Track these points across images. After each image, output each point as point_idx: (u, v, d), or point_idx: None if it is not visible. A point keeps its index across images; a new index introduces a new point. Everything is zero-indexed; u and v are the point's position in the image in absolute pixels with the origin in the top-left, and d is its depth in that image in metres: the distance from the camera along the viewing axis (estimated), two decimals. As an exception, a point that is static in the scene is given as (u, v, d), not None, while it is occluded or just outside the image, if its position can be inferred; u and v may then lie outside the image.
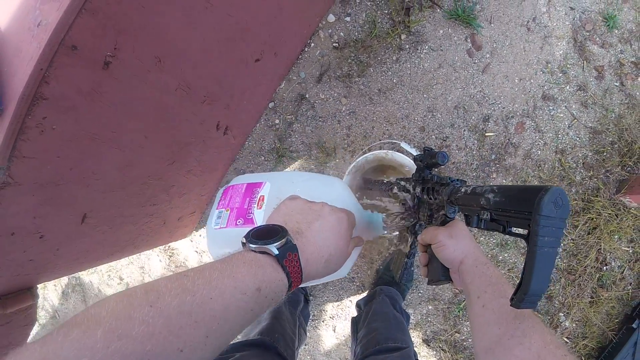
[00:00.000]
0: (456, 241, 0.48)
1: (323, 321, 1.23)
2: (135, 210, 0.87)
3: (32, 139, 0.55)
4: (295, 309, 1.02)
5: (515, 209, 0.35)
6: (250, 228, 0.37)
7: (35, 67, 0.49)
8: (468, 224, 0.43)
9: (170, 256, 1.41)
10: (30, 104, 0.52)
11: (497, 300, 0.40)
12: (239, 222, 0.54)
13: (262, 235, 0.35)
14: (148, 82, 0.68)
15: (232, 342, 0.71)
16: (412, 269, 1.12)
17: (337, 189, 0.59)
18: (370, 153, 1.01)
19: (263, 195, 0.56)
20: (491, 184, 0.63)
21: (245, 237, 0.35)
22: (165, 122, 0.79)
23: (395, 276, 0.67)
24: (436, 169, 0.59)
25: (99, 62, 0.58)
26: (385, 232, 0.59)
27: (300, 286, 0.38)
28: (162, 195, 0.94)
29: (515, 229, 0.37)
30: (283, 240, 0.34)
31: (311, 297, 1.23)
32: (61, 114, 0.57)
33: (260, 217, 0.53)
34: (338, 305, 1.23)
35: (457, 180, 0.52)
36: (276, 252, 0.33)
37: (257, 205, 0.55)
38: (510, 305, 0.32)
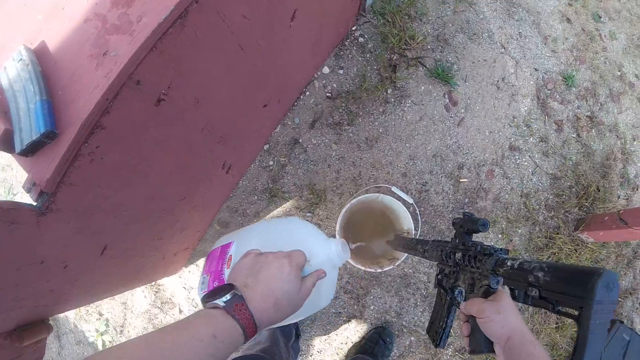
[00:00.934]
0: (503, 317, 0.51)
1: (311, 355, 1.42)
2: (145, 243, 1.03)
3: (82, 166, 0.61)
4: (288, 341, 1.21)
5: (566, 291, 0.38)
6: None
7: (102, 97, 0.56)
8: (514, 298, 0.47)
9: (156, 292, 1.55)
10: (90, 132, 0.58)
11: None
12: (215, 284, 0.63)
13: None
14: (185, 121, 0.81)
15: (233, 358, 0.90)
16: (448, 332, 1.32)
17: (292, 231, 0.70)
18: (363, 196, 1.25)
19: (231, 255, 0.67)
20: (538, 259, 0.62)
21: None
22: (188, 159, 0.95)
23: (433, 341, 0.70)
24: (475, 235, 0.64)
25: (154, 98, 0.67)
26: (348, 258, 0.67)
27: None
28: (168, 230, 1.11)
29: (564, 308, 0.40)
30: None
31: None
32: (112, 144, 0.65)
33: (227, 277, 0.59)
34: (325, 340, 1.43)
35: (501, 249, 0.56)
36: (223, 304, 0.43)
37: (227, 265, 0.64)
38: None
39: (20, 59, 0.61)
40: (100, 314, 1.64)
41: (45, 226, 0.61)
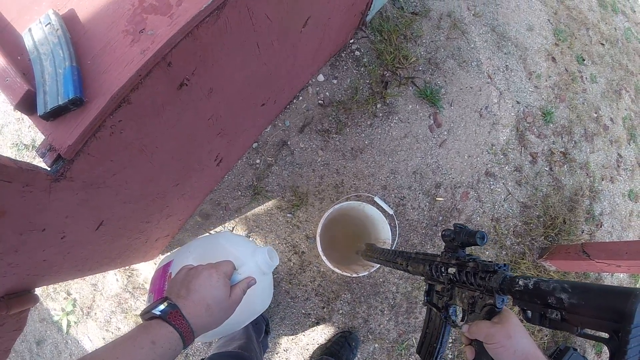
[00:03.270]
0: (515, 342, 0.48)
1: (277, 353, 1.50)
2: (134, 225, 1.09)
3: (102, 138, 0.63)
4: (258, 336, 1.29)
5: (596, 314, 0.36)
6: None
7: (135, 72, 0.59)
8: (527, 319, 0.45)
9: (129, 277, 1.61)
10: (118, 105, 0.61)
11: None
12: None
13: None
14: (197, 108, 0.86)
15: (212, 353, 0.97)
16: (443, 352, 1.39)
17: (221, 244, 0.80)
18: (346, 203, 1.35)
19: (171, 272, 0.78)
20: (556, 278, 0.57)
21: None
22: (189, 146, 1.01)
23: None
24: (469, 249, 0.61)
25: (177, 82, 0.71)
26: (277, 264, 0.75)
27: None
28: (157, 214, 1.18)
29: (591, 330, 0.38)
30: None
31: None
32: (132, 121, 0.67)
33: None
34: (292, 339, 1.51)
35: (504, 265, 0.53)
36: (158, 313, 0.50)
37: (167, 282, 0.72)
38: None
39: (49, 23, 0.62)
40: (68, 294, 1.68)
41: (55, 193, 0.63)
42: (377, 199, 1.31)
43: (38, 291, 1.73)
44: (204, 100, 0.88)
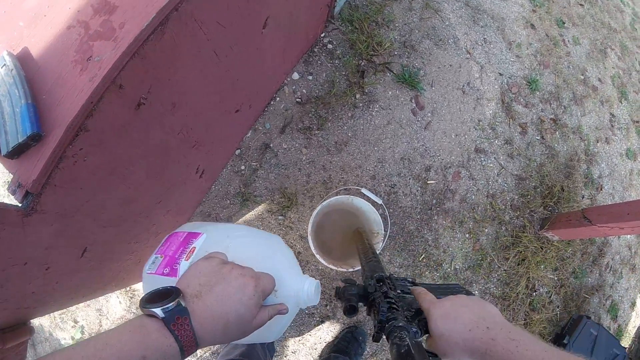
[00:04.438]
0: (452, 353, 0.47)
1: (285, 356, 1.51)
2: (122, 246, 1.10)
3: (66, 168, 0.64)
4: (263, 343, 1.30)
5: None
6: (170, 280, 0.47)
7: (87, 100, 0.60)
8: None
9: (131, 297, 1.63)
10: (75, 134, 0.62)
11: None
12: (165, 271, 0.57)
13: (158, 298, 0.40)
14: (162, 124, 0.86)
15: None
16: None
17: (270, 250, 0.63)
18: (334, 198, 1.35)
19: (194, 247, 0.60)
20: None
21: (140, 300, 0.41)
22: (164, 162, 1.01)
23: None
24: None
25: (134, 102, 0.72)
26: (316, 303, 0.59)
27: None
28: (144, 233, 1.19)
29: None
30: (172, 303, 0.39)
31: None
32: (94, 147, 0.68)
33: (184, 270, 0.54)
34: (299, 341, 1.52)
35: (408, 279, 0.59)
36: (162, 315, 0.38)
37: (186, 257, 0.58)
38: None
39: (4, 64, 0.65)
40: (76, 321, 1.70)
41: (29, 227, 0.64)
42: (364, 191, 1.31)
43: (46, 323, 1.77)
44: (168, 116, 0.89)
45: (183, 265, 0.57)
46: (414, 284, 0.62)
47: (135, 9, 0.66)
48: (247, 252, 0.58)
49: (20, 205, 0.64)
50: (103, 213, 0.89)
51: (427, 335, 0.52)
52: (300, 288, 0.57)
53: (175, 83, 0.84)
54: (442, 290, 0.64)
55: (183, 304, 0.40)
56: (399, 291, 0.59)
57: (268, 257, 0.60)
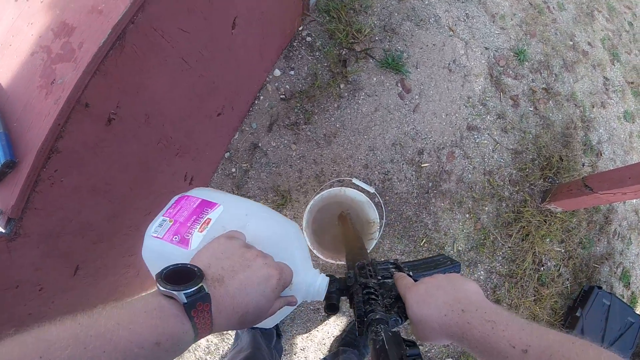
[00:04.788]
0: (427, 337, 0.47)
1: (295, 354, 1.51)
2: (116, 260, 1.10)
3: (44, 191, 0.66)
4: (270, 342, 1.30)
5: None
6: (180, 252, 0.45)
7: (54, 122, 0.61)
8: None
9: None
10: (47, 157, 0.63)
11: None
12: (175, 238, 0.54)
13: (176, 276, 0.37)
14: (137, 137, 0.87)
15: None
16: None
17: (288, 237, 0.60)
18: (326, 191, 1.34)
19: (210, 219, 0.56)
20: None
21: (157, 275, 0.37)
22: (147, 174, 1.02)
23: None
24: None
25: (104, 119, 0.74)
26: (322, 299, 0.57)
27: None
28: (138, 245, 1.19)
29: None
30: (196, 287, 0.36)
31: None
32: (69, 167, 0.70)
33: (197, 242, 0.52)
34: (307, 337, 1.51)
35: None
36: (185, 300, 0.35)
37: (200, 228, 0.54)
38: None
39: None
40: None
41: (15, 251, 0.66)
42: (355, 181, 1.29)
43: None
44: (143, 127, 0.89)
45: (196, 237, 0.53)
46: (396, 266, 0.60)
47: (91, 28, 0.67)
48: (265, 235, 0.55)
49: (3, 231, 0.65)
50: (90, 230, 0.89)
51: (408, 321, 0.50)
52: (312, 283, 0.56)
53: (146, 94, 0.84)
54: (425, 266, 0.63)
55: (206, 289, 0.37)
56: (379, 277, 0.57)
57: (286, 246, 0.57)
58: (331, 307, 0.56)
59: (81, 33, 0.67)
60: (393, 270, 0.60)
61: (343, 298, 0.59)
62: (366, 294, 0.53)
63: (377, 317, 0.48)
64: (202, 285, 0.37)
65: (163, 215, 0.59)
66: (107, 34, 0.65)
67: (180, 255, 0.50)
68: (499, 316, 0.41)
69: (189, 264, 0.40)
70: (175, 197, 0.63)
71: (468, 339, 0.42)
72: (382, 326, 0.46)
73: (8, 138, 0.63)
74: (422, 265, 0.64)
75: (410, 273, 0.58)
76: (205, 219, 0.56)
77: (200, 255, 0.44)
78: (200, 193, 0.62)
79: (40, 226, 0.70)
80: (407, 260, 0.66)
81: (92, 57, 0.64)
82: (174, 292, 0.35)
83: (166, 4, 0.75)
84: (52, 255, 0.80)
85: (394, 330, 0.47)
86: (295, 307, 0.59)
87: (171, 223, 0.57)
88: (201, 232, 0.53)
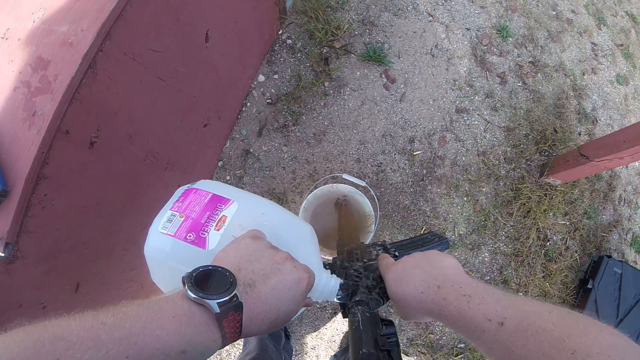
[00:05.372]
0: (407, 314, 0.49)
1: (306, 353, 1.54)
2: (118, 276, 1.14)
3: (36, 214, 0.71)
4: (278, 344, 1.33)
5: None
6: (197, 257, 0.44)
7: (38, 151, 0.67)
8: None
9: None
10: (35, 183, 0.69)
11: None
12: (190, 236, 0.51)
13: (206, 280, 0.35)
14: (122, 156, 0.92)
15: None
16: None
17: (305, 239, 0.58)
18: (319, 190, 1.36)
19: (225, 216, 0.53)
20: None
21: (186, 278, 0.35)
22: (137, 189, 1.06)
23: None
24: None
25: (86, 142, 0.79)
26: (337, 299, 0.56)
27: None
28: (138, 259, 1.23)
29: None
30: (230, 296, 0.34)
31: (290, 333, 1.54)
32: (57, 191, 0.75)
33: (215, 241, 0.50)
34: (317, 335, 1.54)
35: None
36: (217, 310, 0.33)
37: (216, 226, 0.51)
38: None
39: None
40: None
41: (15, 272, 0.71)
42: (345, 176, 1.32)
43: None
44: (127, 147, 0.92)
45: (213, 236, 0.50)
46: (384, 247, 0.62)
47: (64, 60, 0.72)
48: (284, 236, 0.52)
49: (2, 254, 0.70)
50: (86, 248, 0.93)
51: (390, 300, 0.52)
52: (327, 283, 0.54)
53: (125, 115, 0.88)
54: (412, 245, 0.64)
55: (239, 297, 0.35)
56: (365, 260, 0.59)
57: (304, 248, 0.55)
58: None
59: (56, 65, 0.72)
60: (380, 251, 0.62)
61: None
62: (348, 276, 0.55)
63: (357, 299, 0.50)
64: (235, 294, 0.35)
65: (171, 210, 0.55)
66: (78, 64, 0.70)
67: (196, 256, 0.48)
68: (475, 290, 0.41)
69: (219, 267, 0.37)
70: (181, 189, 0.59)
71: (445, 315, 0.42)
72: (359, 307, 0.48)
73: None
74: (409, 244, 0.65)
75: (397, 253, 0.59)
76: (220, 216, 0.52)
77: (227, 257, 0.41)
78: (208, 186, 0.58)
79: (37, 248, 0.75)
80: (395, 241, 0.68)
81: (66, 87, 0.69)
82: (207, 300, 0.33)
83: (132, 28, 0.79)
84: (51, 274, 0.84)
85: (373, 311, 0.49)
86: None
87: (182, 219, 0.53)
88: (218, 230, 0.50)
